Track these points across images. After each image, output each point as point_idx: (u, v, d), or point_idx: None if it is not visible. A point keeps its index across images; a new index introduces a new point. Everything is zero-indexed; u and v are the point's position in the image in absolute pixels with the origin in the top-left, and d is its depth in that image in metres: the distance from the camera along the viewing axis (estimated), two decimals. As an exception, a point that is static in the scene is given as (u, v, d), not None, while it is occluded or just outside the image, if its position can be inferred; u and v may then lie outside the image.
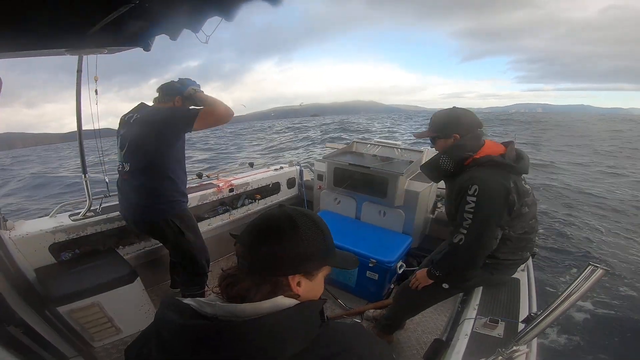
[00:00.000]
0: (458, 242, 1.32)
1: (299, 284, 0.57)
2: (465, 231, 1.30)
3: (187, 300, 0.55)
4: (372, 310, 2.07)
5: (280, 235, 0.56)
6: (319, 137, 20.01)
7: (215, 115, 1.62)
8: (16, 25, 1.09)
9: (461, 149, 1.36)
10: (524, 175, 1.36)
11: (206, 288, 2.13)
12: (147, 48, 1.62)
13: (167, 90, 1.72)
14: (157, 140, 1.60)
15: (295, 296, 0.56)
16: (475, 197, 1.25)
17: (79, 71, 1.74)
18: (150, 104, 1.75)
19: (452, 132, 1.39)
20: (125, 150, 1.66)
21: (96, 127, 1.91)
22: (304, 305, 0.54)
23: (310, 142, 17.15)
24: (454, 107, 1.47)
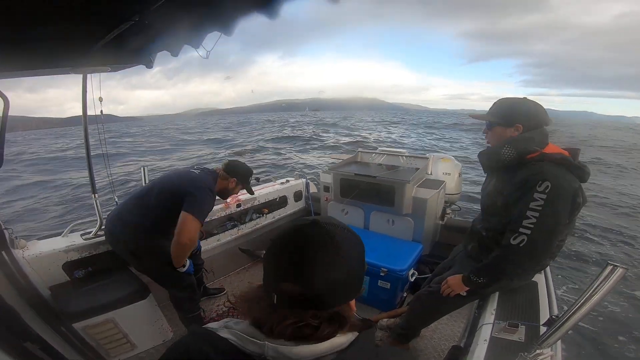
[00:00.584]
0: (519, 244, 1.19)
1: (352, 305, 0.53)
2: (528, 231, 1.17)
3: (225, 334, 0.49)
4: (385, 320, 2.04)
5: (342, 260, 0.49)
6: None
7: (176, 244, 1.58)
8: (19, 43, 1.11)
9: (528, 142, 1.25)
10: None
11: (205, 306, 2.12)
12: (149, 65, 1.62)
13: (230, 170, 1.88)
14: (175, 199, 1.63)
15: (353, 328, 0.51)
16: (546, 195, 1.14)
17: (84, 91, 1.73)
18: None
19: (516, 121, 1.27)
20: (158, 182, 1.75)
21: (104, 148, 1.93)
22: (359, 341, 0.50)
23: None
24: (524, 97, 1.33)
